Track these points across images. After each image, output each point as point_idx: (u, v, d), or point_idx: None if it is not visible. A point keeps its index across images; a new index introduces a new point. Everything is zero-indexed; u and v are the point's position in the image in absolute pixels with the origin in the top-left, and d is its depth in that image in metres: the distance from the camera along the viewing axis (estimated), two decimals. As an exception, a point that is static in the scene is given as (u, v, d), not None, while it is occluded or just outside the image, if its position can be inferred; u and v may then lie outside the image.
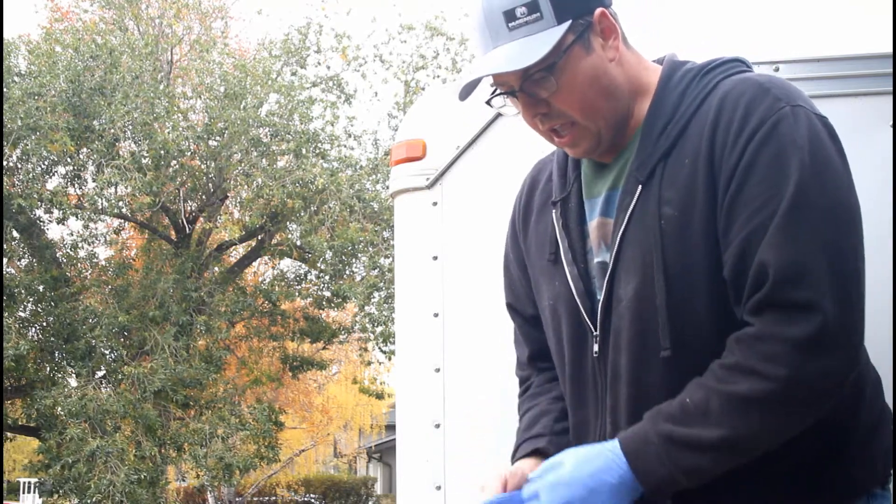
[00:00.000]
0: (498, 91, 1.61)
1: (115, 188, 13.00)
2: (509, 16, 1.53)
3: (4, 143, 11.97)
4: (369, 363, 16.19)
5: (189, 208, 14.16)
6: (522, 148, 2.35)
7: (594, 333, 1.61)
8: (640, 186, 1.55)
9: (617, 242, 1.56)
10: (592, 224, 1.64)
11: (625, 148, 1.62)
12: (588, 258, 1.64)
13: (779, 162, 1.44)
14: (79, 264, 14.47)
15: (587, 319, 1.62)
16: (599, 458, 1.48)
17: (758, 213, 1.44)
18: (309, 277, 15.29)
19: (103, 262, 14.80)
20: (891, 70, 2.16)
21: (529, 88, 1.56)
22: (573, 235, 1.66)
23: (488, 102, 1.66)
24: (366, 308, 13.92)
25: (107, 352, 13.26)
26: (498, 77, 1.58)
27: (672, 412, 1.46)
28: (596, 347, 1.61)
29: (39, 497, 19.14)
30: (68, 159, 13.04)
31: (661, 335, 1.51)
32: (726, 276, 1.47)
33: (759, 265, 1.42)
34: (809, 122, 1.46)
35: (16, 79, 12.43)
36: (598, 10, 1.56)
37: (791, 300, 1.40)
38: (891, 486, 1.62)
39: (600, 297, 1.60)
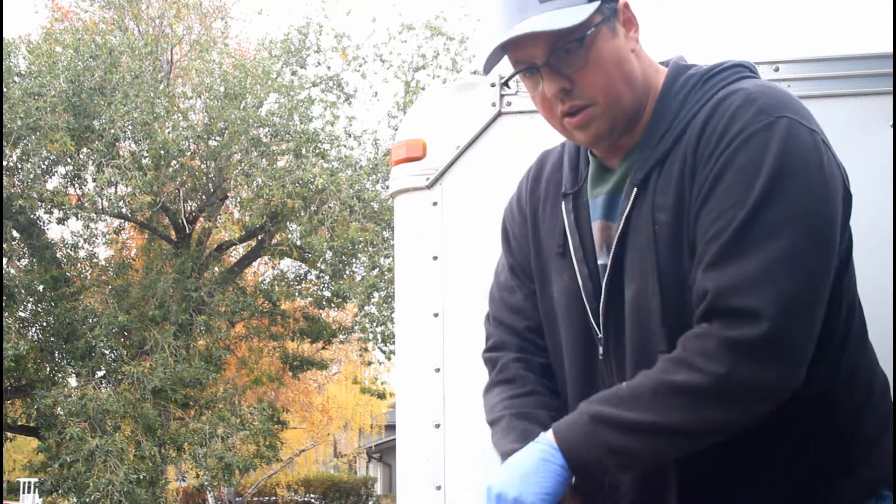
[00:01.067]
0: (521, 67, 1.59)
1: (116, 188, 13.01)
2: None
3: (4, 143, 11.97)
4: (370, 363, 16.19)
5: (189, 208, 14.16)
6: (522, 148, 2.35)
7: (598, 336, 1.62)
8: (635, 190, 1.56)
9: (614, 246, 1.57)
10: (595, 225, 1.65)
11: (631, 151, 1.62)
12: (596, 258, 1.64)
13: (745, 172, 1.44)
14: (79, 264, 14.46)
15: (592, 321, 1.63)
16: (531, 446, 1.52)
17: (713, 225, 1.45)
18: (309, 277, 15.29)
19: (103, 262, 14.80)
20: (891, 70, 2.16)
21: (556, 62, 1.55)
22: (584, 233, 1.66)
23: (506, 83, 1.65)
24: (366, 308, 13.92)
25: (107, 352, 13.26)
26: (523, 52, 1.56)
27: (606, 395, 1.50)
28: (601, 349, 1.62)
29: (39, 497, 19.14)
30: (68, 159, 13.04)
31: (657, 339, 1.52)
32: (691, 281, 1.49)
33: (709, 274, 1.44)
34: (790, 132, 1.45)
35: (16, 79, 12.43)
36: (623, 0, 1.58)
37: (734, 308, 1.41)
38: None
39: (601, 298, 1.61)
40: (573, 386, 1.69)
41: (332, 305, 15.18)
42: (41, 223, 13.87)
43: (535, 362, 1.77)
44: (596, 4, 1.53)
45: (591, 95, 1.56)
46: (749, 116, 1.47)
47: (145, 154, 12.54)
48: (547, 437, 1.52)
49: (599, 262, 1.63)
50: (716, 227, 1.44)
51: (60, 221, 13.25)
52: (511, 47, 1.56)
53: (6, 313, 12.37)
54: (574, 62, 1.54)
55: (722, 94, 1.53)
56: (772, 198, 1.41)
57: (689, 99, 1.57)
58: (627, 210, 1.56)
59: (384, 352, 14.74)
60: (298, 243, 13.79)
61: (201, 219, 14.44)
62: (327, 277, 14.46)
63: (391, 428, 25.52)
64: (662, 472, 1.57)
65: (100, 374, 13.25)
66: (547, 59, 1.54)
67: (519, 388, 1.75)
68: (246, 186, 13.57)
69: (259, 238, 14.79)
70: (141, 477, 11.93)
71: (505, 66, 1.65)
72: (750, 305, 1.39)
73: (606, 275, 1.59)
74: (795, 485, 1.52)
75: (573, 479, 1.53)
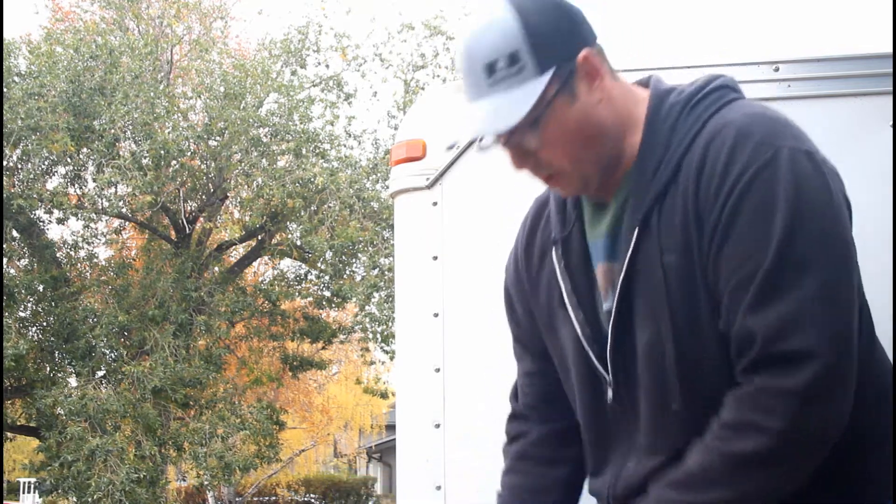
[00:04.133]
0: (485, 140, 1.55)
1: (116, 188, 13.01)
2: (489, 69, 1.46)
3: (5, 144, 11.97)
4: (371, 363, 16.19)
5: (189, 208, 14.17)
6: (522, 148, 2.35)
7: (608, 380, 1.58)
8: (636, 231, 1.50)
9: (618, 290, 1.52)
10: (599, 269, 1.59)
11: (621, 186, 1.56)
12: (597, 302, 1.59)
13: (760, 216, 1.40)
14: (79, 264, 14.47)
15: (598, 366, 1.59)
16: None
17: (740, 269, 1.41)
18: (309, 277, 15.29)
19: (103, 262, 14.81)
20: (891, 70, 2.16)
21: (514, 143, 1.51)
22: (577, 279, 1.61)
23: (480, 147, 1.58)
24: (366, 308, 13.92)
25: (107, 351, 13.26)
26: None
27: (676, 478, 1.45)
28: (611, 393, 1.58)
29: (39, 497, 19.15)
30: (68, 159, 13.05)
31: (671, 390, 1.49)
32: (722, 329, 1.45)
33: (745, 328, 1.40)
34: (793, 161, 1.41)
35: (16, 79, 12.44)
36: (583, 53, 1.49)
37: (782, 354, 1.37)
38: None
39: (608, 343, 1.57)
40: (587, 433, 1.66)
41: (333, 305, 15.18)
42: (41, 223, 13.88)
43: (532, 436, 1.78)
44: (550, 73, 1.46)
45: (558, 165, 1.52)
46: (748, 153, 1.41)
47: (145, 154, 12.53)
48: None
49: (605, 305, 1.57)
50: (744, 273, 1.40)
51: (60, 221, 13.25)
52: None
53: (6, 313, 12.37)
54: (532, 141, 1.50)
55: (712, 127, 1.47)
56: (794, 234, 1.38)
57: (677, 128, 1.51)
58: (630, 252, 1.50)
59: (386, 351, 14.74)
60: (298, 243, 13.79)
61: (201, 219, 14.44)
62: (327, 277, 14.46)
63: (391, 428, 25.50)
64: None
65: (100, 373, 13.25)
66: (505, 140, 1.51)
67: (513, 475, 1.80)
68: (246, 186, 13.58)
69: (259, 238, 14.79)
70: (141, 476, 11.93)
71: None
72: (798, 348, 1.36)
73: (612, 319, 1.54)
74: (800, 498, 1.48)
75: None
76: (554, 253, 1.64)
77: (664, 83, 1.60)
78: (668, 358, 1.48)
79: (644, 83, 1.62)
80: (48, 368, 13.75)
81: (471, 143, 2.40)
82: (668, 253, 1.47)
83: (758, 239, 1.40)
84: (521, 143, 1.51)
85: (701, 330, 1.46)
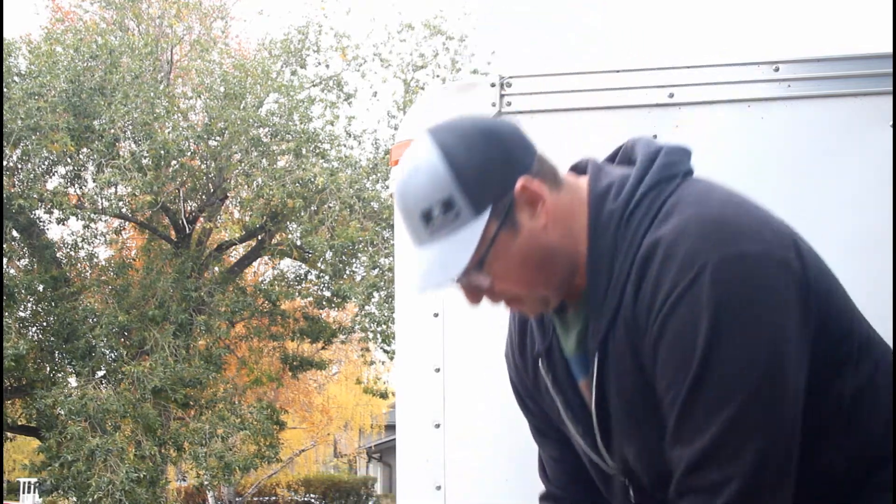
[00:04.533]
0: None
1: (115, 188, 13.01)
2: (426, 217, 1.43)
3: (5, 143, 11.97)
4: (371, 363, 16.19)
5: (189, 208, 14.17)
6: (522, 148, 2.35)
7: (624, 481, 1.60)
8: (596, 358, 1.49)
9: (594, 413, 1.52)
10: (581, 384, 1.58)
11: (580, 301, 1.53)
12: (590, 416, 1.58)
13: (679, 344, 1.38)
14: (79, 264, 14.47)
15: (611, 470, 1.60)
16: None
17: (666, 397, 1.41)
18: (309, 277, 15.29)
19: (103, 262, 14.81)
20: (891, 70, 2.16)
21: (465, 283, 1.49)
22: (567, 393, 1.60)
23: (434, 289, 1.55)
24: (366, 308, 13.92)
25: (107, 351, 13.26)
26: None
27: None
28: (632, 493, 1.59)
29: (39, 497, 19.15)
30: (68, 159, 13.05)
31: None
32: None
33: (672, 455, 1.41)
34: (715, 282, 1.36)
35: (16, 79, 12.44)
36: (519, 183, 1.44)
37: (701, 486, 1.37)
38: None
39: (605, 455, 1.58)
40: None
41: (333, 305, 15.18)
42: (41, 223, 13.88)
43: None
44: (487, 212, 1.42)
45: (511, 293, 1.51)
46: (672, 276, 1.37)
47: (145, 154, 12.54)
48: None
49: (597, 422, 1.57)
50: (668, 401, 1.40)
51: (60, 221, 13.25)
52: None
53: (6, 313, 12.37)
54: (481, 279, 1.48)
55: (645, 248, 1.41)
56: (710, 365, 1.35)
57: (618, 244, 1.46)
58: (595, 378, 1.50)
59: (386, 351, 14.74)
60: (298, 243, 13.79)
61: (201, 219, 14.44)
62: (327, 277, 14.46)
63: (391, 428, 25.50)
64: None
65: (100, 373, 13.26)
66: (456, 282, 1.49)
67: None
68: (246, 186, 13.57)
69: (259, 238, 14.79)
70: (141, 476, 11.93)
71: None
72: (715, 480, 1.36)
73: (598, 438, 1.55)
74: None
75: None
76: (542, 367, 1.62)
77: (600, 178, 1.53)
78: (663, 463, 1.47)
79: (582, 169, 1.58)
80: (48, 368, 13.75)
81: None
82: (627, 375, 1.46)
83: (677, 367, 1.38)
84: (471, 283, 1.49)
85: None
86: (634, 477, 1.56)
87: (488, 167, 1.44)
